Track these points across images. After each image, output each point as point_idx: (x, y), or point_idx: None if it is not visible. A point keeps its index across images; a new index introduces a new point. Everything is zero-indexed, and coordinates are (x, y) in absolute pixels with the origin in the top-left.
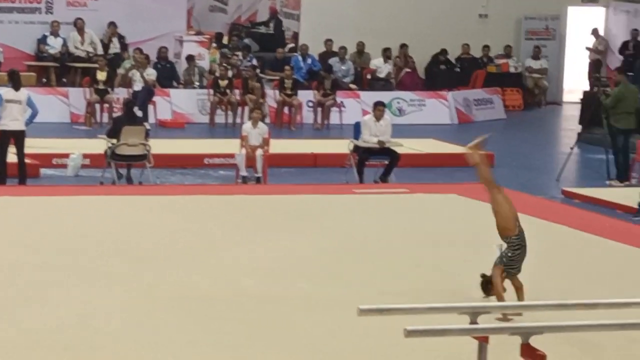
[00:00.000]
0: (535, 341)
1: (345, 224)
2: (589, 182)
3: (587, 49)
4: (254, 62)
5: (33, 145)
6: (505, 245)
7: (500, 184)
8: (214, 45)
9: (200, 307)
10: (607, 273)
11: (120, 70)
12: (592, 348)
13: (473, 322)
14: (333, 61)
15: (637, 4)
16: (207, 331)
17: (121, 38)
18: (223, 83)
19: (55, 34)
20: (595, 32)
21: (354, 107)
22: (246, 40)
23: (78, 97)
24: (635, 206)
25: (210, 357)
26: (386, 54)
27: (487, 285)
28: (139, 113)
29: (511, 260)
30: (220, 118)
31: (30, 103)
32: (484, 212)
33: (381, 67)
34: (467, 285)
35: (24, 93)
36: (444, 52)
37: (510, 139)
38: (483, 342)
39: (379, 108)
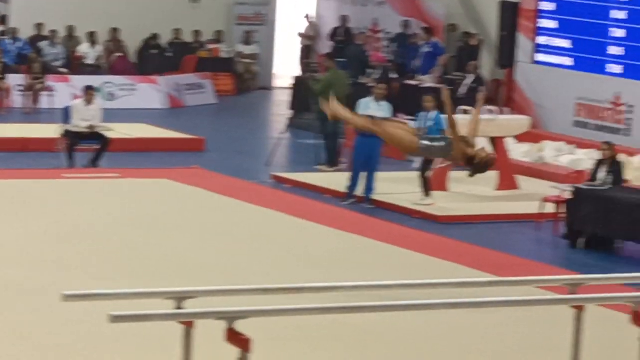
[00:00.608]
0: (241, 326)
1: (55, 209)
2: (298, 167)
3: (300, 35)
4: None
5: None
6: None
7: (211, 168)
8: None
9: None
10: (316, 257)
11: None
12: (296, 331)
13: (179, 307)
14: (43, 44)
15: None
16: None
17: None
18: None
19: None
20: (307, 17)
21: (64, 91)
22: None
23: None
24: (344, 191)
25: None
26: (92, 38)
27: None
28: None
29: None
30: None
31: None
32: (195, 197)
33: (88, 52)
34: (174, 270)
35: None
36: (155, 36)
37: (222, 124)
38: (188, 326)
39: (89, 92)
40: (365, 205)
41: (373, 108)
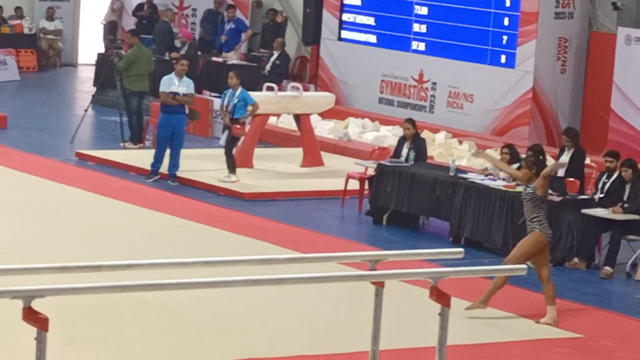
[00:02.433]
0: (39, 305)
1: None
2: (103, 145)
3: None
4: None
5: None
6: None
7: (13, 146)
8: None
9: None
10: (120, 235)
11: None
12: (97, 309)
13: None
14: None
15: None
16: None
17: None
18: None
19: None
20: None
21: None
22: None
23: None
24: (148, 168)
25: None
26: None
27: None
28: None
29: None
30: None
31: None
32: None
33: None
34: None
35: None
36: None
37: (25, 101)
38: None
39: None
40: (170, 182)
41: (175, 84)
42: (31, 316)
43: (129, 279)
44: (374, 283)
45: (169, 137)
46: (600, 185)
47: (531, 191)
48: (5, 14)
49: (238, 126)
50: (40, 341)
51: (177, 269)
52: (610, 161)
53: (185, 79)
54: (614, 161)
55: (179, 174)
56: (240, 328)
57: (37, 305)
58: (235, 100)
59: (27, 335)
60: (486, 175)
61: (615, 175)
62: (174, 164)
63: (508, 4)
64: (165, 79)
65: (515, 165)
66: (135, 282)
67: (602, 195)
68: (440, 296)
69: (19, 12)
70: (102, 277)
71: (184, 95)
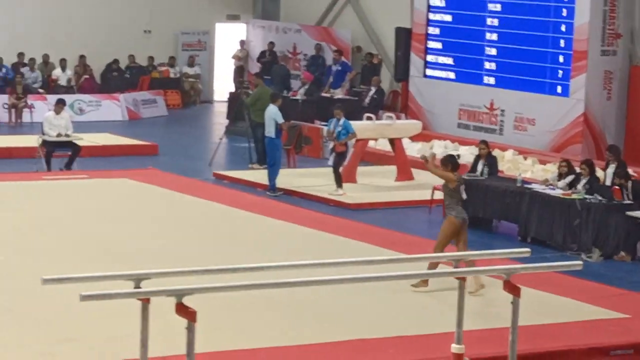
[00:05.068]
0: (188, 301)
1: (36, 205)
2: (235, 166)
3: (233, 57)
4: None
5: None
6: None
7: (163, 169)
8: None
9: None
10: (250, 241)
11: None
12: (234, 304)
13: (137, 286)
14: (24, 70)
15: (271, 21)
16: None
17: None
18: None
19: None
20: (241, 43)
21: (42, 108)
22: None
23: None
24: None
25: None
26: (62, 64)
27: None
28: None
29: None
30: None
31: None
32: (150, 193)
33: (61, 75)
34: (132, 255)
35: None
36: (116, 61)
37: (172, 132)
38: (145, 302)
39: (58, 104)
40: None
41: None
42: (182, 310)
43: (258, 279)
44: (457, 278)
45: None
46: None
47: (445, 184)
48: (155, 62)
49: (340, 145)
50: (190, 330)
51: (298, 269)
52: None
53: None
54: None
55: (293, 188)
56: (362, 311)
57: (187, 301)
58: (339, 128)
59: (179, 325)
60: (547, 186)
61: None
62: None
63: (562, 44)
64: (276, 112)
65: (570, 178)
66: (265, 282)
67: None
68: (512, 288)
69: (171, 61)
70: (237, 277)
71: (283, 122)
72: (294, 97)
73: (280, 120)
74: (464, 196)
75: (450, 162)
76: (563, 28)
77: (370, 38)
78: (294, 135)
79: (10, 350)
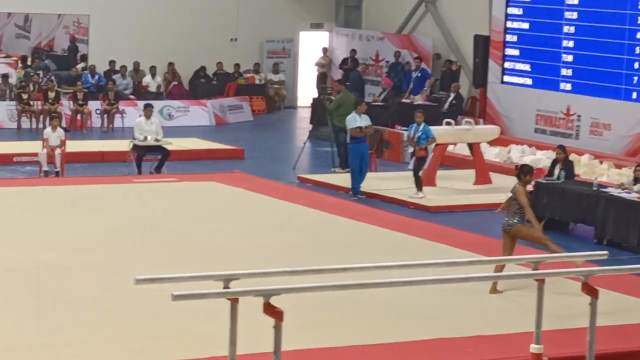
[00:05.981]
0: (275, 300)
1: (127, 208)
2: (318, 170)
3: (316, 64)
4: (52, 78)
5: None
6: None
7: (249, 172)
8: (20, 65)
9: (3, 278)
10: (334, 243)
11: None
12: (319, 303)
13: (226, 287)
14: (116, 77)
15: (354, 29)
16: (14, 297)
17: None
18: (25, 96)
19: None
20: (324, 50)
21: (133, 113)
22: (46, 62)
23: None
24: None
25: (14, 319)
26: (152, 71)
27: None
28: None
29: None
30: (26, 124)
31: None
32: (237, 195)
33: (150, 82)
34: (221, 256)
35: None
36: (203, 68)
37: (257, 137)
38: (234, 302)
39: (148, 109)
40: (359, 196)
41: (358, 120)
42: (270, 310)
43: (343, 280)
44: (536, 280)
45: (359, 162)
46: None
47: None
48: (241, 69)
49: (420, 149)
50: (277, 329)
51: (380, 270)
52: None
53: (364, 115)
54: None
55: (374, 191)
56: (442, 311)
57: (274, 301)
58: (420, 133)
59: (264, 325)
60: (623, 189)
61: None
62: (362, 181)
63: (638, 51)
64: (349, 118)
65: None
66: (350, 282)
67: None
68: (590, 290)
69: (256, 68)
70: (323, 278)
71: (366, 127)
72: (375, 103)
73: (350, 126)
74: None
75: (529, 172)
76: (638, 35)
77: (449, 45)
78: (375, 140)
79: (102, 345)
